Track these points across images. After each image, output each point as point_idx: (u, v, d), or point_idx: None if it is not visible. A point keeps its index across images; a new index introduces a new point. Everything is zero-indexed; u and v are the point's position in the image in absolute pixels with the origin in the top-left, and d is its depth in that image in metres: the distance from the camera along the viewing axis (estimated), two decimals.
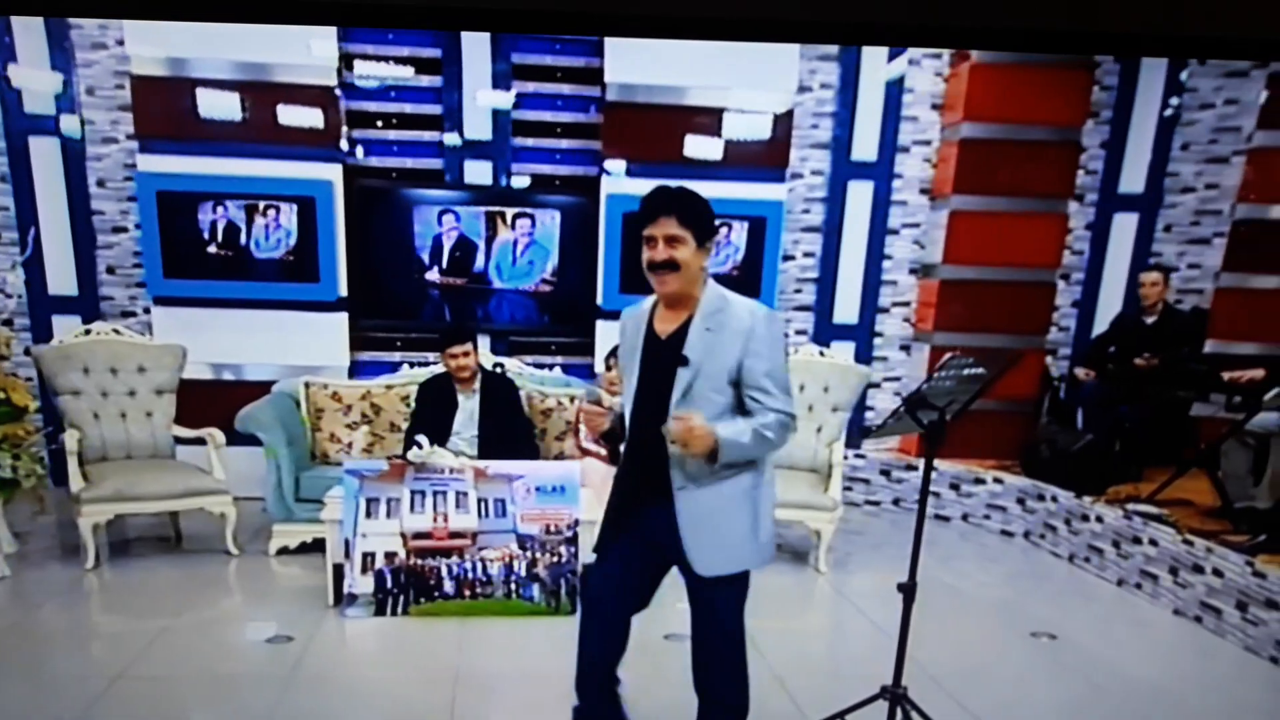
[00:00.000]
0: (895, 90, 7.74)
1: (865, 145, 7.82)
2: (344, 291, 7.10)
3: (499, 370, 6.37)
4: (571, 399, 6.38)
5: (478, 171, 7.46)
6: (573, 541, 5.00)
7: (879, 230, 7.86)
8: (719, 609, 3.17)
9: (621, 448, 3.24)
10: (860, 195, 7.85)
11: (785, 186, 7.55)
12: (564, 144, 7.61)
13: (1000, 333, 7.60)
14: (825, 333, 7.79)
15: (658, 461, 3.03)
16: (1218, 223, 7.85)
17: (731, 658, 3.25)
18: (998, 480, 6.87)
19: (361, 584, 4.93)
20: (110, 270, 7.26)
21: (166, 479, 5.69)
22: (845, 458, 6.07)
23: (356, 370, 7.27)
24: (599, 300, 7.30)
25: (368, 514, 4.99)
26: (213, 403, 6.42)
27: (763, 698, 4.07)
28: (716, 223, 3.07)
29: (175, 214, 6.82)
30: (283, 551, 5.84)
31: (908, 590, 3.48)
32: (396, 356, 7.42)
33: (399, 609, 4.92)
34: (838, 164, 7.81)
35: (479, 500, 5.06)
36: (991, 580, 5.96)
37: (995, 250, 7.53)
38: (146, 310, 7.11)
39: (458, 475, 5.09)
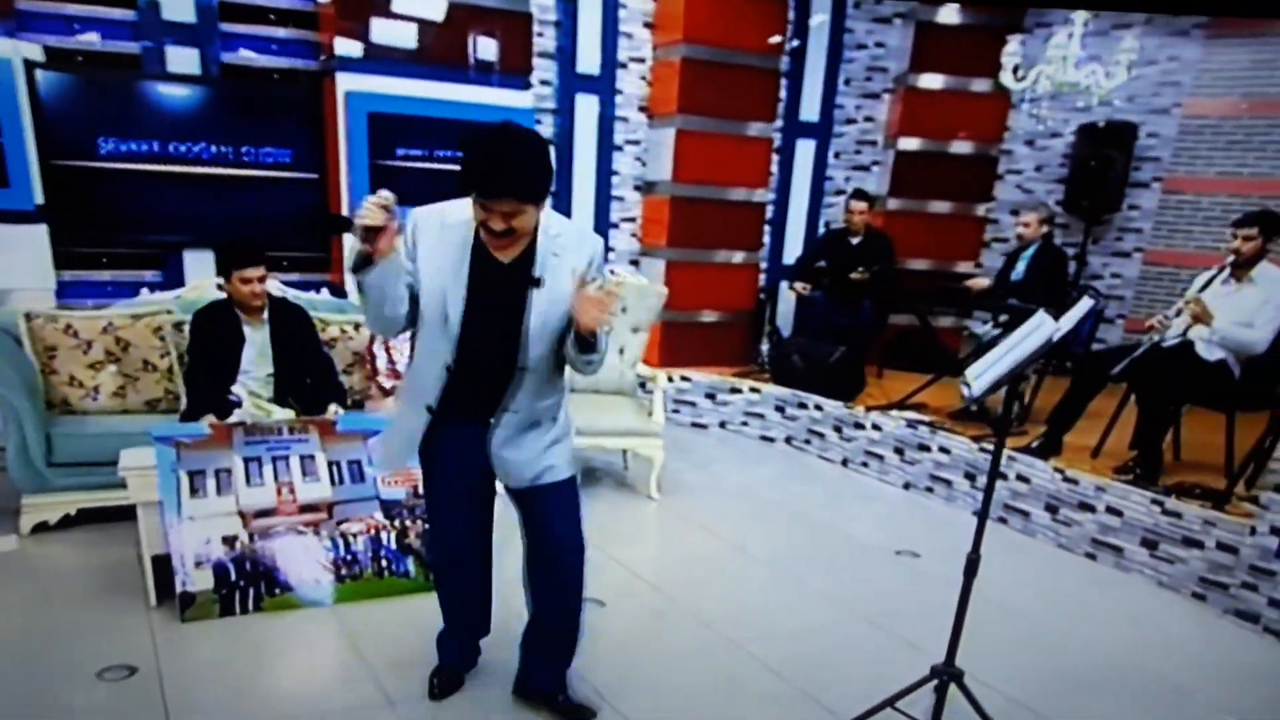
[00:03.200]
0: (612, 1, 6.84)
1: (589, 58, 6.89)
2: (41, 198, 5.04)
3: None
4: (356, 326, 4.98)
5: (182, 59, 5.60)
6: None
7: (606, 146, 7.01)
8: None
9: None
10: (587, 109, 6.93)
11: (530, 94, 6.43)
12: (281, 33, 5.93)
13: (723, 247, 7.13)
14: None
15: (495, 388, 2.60)
16: (874, 152, 7.88)
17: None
18: (754, 390, 6.44)
19: (197, 579, 3.43)
20: None
21: None
22: (671, 381, 5.28)
23: (62, 293, 5.26)
24: (345, 212, 5.83)
25: (193, 491, 3.48)
26: None
27: (692, 640, 3.44)
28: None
29: None
30: (41, 529, 4.06)
31: (971, 563, 2.86)
32: (106, 275, 5.48)
33: (249, 605, 3.48)
34: (564, 75, 6.81)
35: (330, 464, 3.72)
36: (767, 481, 5.57)
37: (715, 169, 6.99)
38: None
39: (300, 435, 3.71)
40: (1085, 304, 2.66)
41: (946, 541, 4.75)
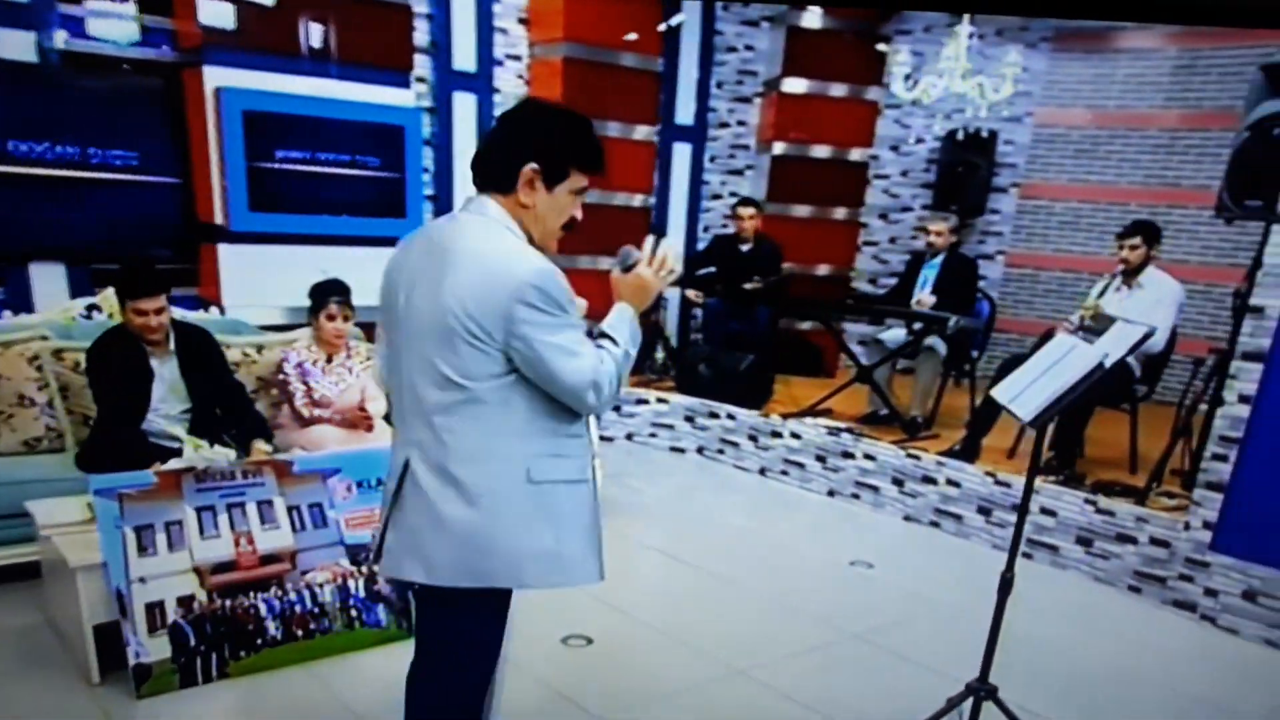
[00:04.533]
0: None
1: (464, 54, 6.72)
2: None
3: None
4: (259, 349, 4.66)
5: (13, 44, 5.05)
6: None
7: None
8: None
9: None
10: (465, 107, 6.75)
11: (413, 92, 6.21)
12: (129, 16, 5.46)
13: (610, 255, 7.07)
14: None
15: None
16: (748, 156, 8.09)
17: None
18: (662, 400, 6.46)
19: (153, 648, 3.11)
20: None
21: None
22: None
23: None
24: (219, 219, 5.42)
25: (141, 549, 3.17)
26: None
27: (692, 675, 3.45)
28: None
29: None
30: None
31: (1005, 582, 3.00)
32: None
33: (213, 672, 3.19)
34: (441, 72, 6.61)
35: (290, 509, 3.47)
36: (689, 494, 5.66)
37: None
38: None
39: (255, 478, 3.44)
40: (1137, 330, 2.83)
41: (892, 550, 4.99)
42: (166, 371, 3.99)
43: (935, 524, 5.23)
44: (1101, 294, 5.29)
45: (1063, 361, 2.97)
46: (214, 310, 4.99)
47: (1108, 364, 2.81)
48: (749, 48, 7.98)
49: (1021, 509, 3.00)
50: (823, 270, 8.00)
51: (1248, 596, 4.06)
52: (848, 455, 5.59)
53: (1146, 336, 2.83)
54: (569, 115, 2.13)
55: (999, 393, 3.10)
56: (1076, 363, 2.89)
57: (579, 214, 2.15)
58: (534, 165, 2.03)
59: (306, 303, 4.53)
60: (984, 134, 7.83)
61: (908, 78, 6.56)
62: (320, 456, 3.67)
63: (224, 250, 5.45)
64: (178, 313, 4.50)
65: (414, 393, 2.04)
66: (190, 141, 5.49)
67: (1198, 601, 4.24)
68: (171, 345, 4.01)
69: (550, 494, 2.07)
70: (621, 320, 2.15)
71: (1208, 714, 3.56)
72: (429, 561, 2.05)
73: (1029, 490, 2.99)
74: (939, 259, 6.11)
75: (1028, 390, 2.98)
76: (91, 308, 4.57)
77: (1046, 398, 2.86)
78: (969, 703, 3.07)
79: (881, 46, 7.80)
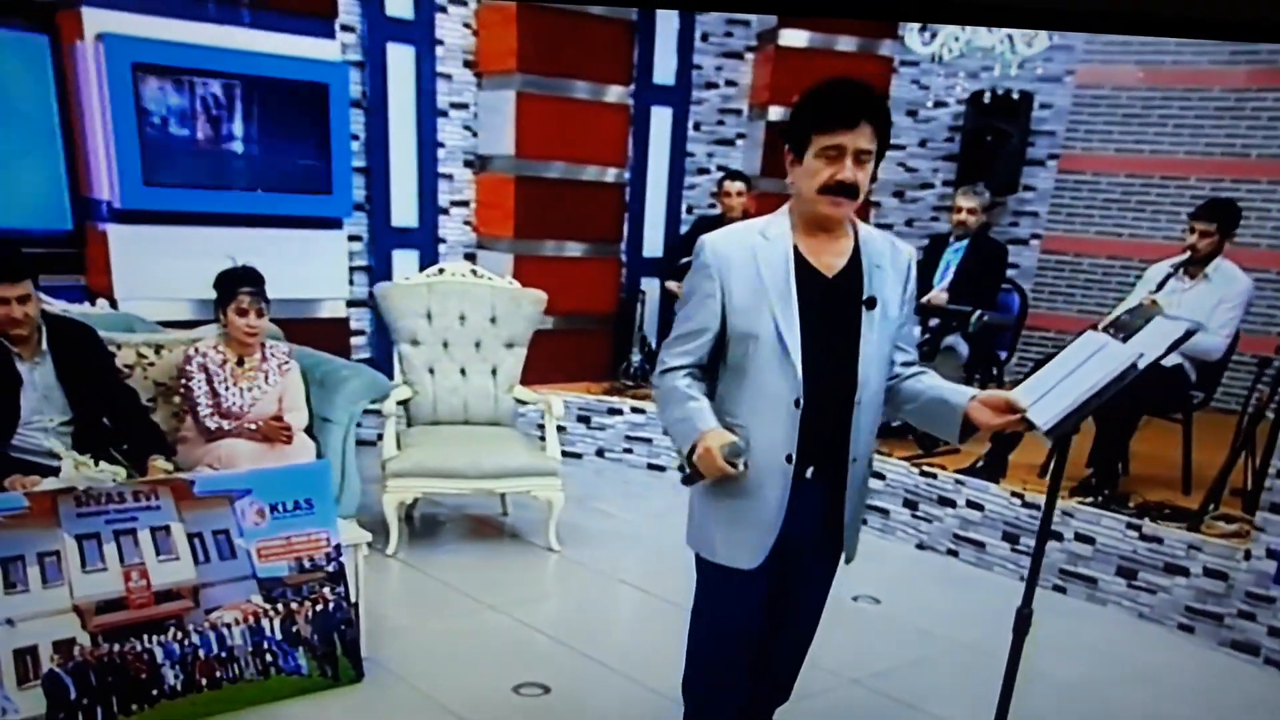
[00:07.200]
0: None
1: None
2: None
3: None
4: (157, 349, 4.66)
5: None
6: (338, 578, 3.68)
7: (428, 110, 6.87)
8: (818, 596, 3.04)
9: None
10: (402, 62, 6.77)
11: (338, 43, 6.23)
12: None
13: (578, 240, 7.17)
14: (385, 239, 6.68)
15: (839, 430, 2.62)
16: (739, 122, 8.13)
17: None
18: (638, 410, 6.52)
19: (24, 704, 3.12)
20: None
21: None
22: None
23: None
24: (106, 195, 5.43)
25: (9, 585, 3.18)
26: None
27: None
28: None
29: None
30: None
31: (1022, 619, 3.07)
32: None
33: None
34: (373, 19, 6.63)
35: (191, 536, 3.49)
36: (668, 517, 5.69)
37: (566, 143, 7.02)
38: None
39: (148, 501, 3.45)
40: (1178, 326, 2.87)
41: (902, 582, 5.06)
42: (38, 376, 3.98)
43: (953, 552, 5.33)
44: (1160, 286, 5.26)
45: (1090, 362, 3.02)
46: (103, 303, 4.99)
47: (1141, 365, 2.86)
48: None
49: (1041, 531, 3.05)
50: None
51: None
52: None
53: (1188, 335, 2.87)
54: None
55: (1019, 395, 3.14)
56: (1106, 364, 2.93)
57: (844, 174, 2.44)
58: (786, 147, 2.55)
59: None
60: (1015, 96, 7.91)
61: (923, 28, 6.64)
62: (226, 476, 3.69)
63: (114, 231, 5.45)
64: (57, 306, 4.54)
65: None
66: (68, 99, 5.51)
67: (1260, 643, 4.32)
68: (43, 344, 4.00)
69: None
70: (687, 424, 2.55)
71: None
72: None
73: (1049, 509, 3.05)
74: (964, 243, 6.19)
75: (1048, 395, 3.02)
76: None
77: (1067, 404, 2.89)
78: None
79: None
